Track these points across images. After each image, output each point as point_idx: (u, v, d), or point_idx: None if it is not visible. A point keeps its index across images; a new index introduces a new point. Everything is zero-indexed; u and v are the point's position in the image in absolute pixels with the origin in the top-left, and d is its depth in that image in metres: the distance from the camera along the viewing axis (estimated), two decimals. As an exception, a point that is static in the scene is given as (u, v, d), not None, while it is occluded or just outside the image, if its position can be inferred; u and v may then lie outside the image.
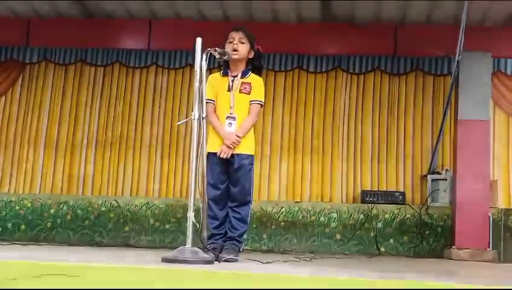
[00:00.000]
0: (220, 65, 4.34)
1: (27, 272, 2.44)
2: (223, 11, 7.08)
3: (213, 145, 4.14)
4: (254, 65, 4.34)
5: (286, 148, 7.65)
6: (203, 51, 3.58)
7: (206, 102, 3.78)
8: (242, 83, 4.23)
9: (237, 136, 4.12)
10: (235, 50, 4.19)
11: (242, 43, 4.24)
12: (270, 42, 6.68)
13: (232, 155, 4.14)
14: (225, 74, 4.29)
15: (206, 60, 3.59)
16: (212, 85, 4.23)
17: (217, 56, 3.93)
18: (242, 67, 4.28)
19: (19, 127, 7.91)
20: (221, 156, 4.10)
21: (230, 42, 4.21)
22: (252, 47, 4.28)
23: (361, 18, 7.07)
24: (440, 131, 7.17)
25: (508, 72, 7.56)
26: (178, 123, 4.28)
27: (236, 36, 4.23)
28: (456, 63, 6.49)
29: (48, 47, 7.93)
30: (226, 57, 4.09)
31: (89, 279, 2.49)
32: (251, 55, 4.30)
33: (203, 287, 2.48)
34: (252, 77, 4.28)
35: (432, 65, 7.65)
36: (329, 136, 7.63)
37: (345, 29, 7.19)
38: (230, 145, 4.10)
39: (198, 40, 3.52)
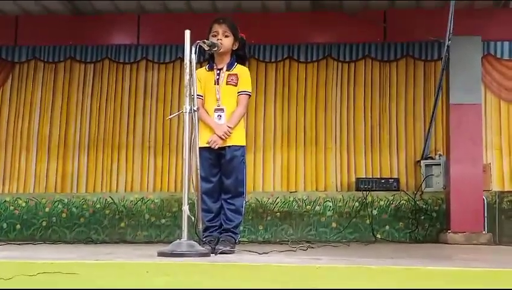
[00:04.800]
0: (210, 57, 4.30)
1: (23, 271, 2.43)
2: (212, 3, 7.05)
3: (203, 140, 4.08)
4: (238, 55, 4.29)
5: (279, 138, 7.65)
6: (192, 43, 3.55)
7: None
8: (228, 75, 4.18)
9: (228, 126, 4.10)
10: None
11: (226, 36, 4.18)
12: (259, 33, 6.67)
13: (224, 147, 4.12)
14: (210, 68, 4.24)
15: (195, 53, 3.56)
16: (199, 80, 4.19)
17: (206, 48, 3.90)
18: (227, 59, 4.23)
19: (10, 127, 7.88)
20: (211, 145, 4.07)
21: (214, 36, 4.17)
22: (236, 38, 4.25)
23: (350, 5, 7.05)
24: (432, 116, 7.18)
25: (498, 55, 7.57)
26: (169, 117, 4.26)
27: (219, 30, 4.17)
28: (446, 47, 6.50)
29: (37, 45, 7.89)
30: (216, 48, 4.06)
31: (85, 276, 2.48)
32: (235, 47, 4.25)
33: (200, 279, 2.48)
34: (238, 68, 4.23)
35: (422, 51, 7.66)
36: (322, 125, 7.64)
37: (334, 18, 7.18)
38: (222, 136, 4.07)
39: (187, 33, 3.49)
